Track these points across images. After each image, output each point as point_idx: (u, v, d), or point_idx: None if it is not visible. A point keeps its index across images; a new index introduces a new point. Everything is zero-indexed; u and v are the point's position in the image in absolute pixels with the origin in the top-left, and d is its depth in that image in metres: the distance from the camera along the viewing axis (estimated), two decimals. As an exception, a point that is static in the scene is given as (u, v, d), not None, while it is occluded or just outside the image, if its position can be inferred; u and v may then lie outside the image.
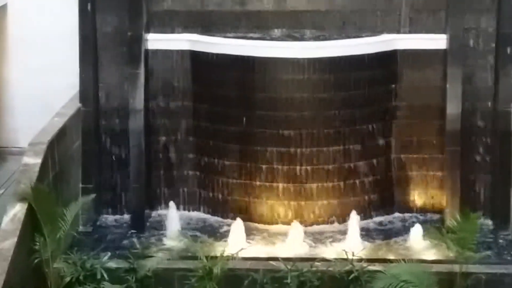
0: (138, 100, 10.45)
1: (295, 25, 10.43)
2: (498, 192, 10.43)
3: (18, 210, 8.59)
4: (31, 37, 11.06)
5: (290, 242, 9.95)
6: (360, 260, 8.97)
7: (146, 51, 10.51)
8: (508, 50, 10.22)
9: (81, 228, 10.16)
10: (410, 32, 10.39)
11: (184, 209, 10.88)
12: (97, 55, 10.56)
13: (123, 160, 10.72)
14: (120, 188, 10.81)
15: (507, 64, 10.25)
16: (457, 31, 10.25)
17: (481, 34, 10.30)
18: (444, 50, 10.32)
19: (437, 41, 10.34)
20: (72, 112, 10.36)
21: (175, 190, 10.89)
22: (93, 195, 9.85)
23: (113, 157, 10.73)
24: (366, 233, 10.23)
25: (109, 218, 10.81)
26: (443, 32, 10.31)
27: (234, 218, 10.19)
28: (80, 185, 10.49)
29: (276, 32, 10.43)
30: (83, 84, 10.55)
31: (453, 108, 10.28)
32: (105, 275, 8.55)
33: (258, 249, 9.82)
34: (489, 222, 10.46)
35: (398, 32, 10.40)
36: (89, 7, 10.43)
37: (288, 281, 8.61)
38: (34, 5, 10.99)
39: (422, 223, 10.32)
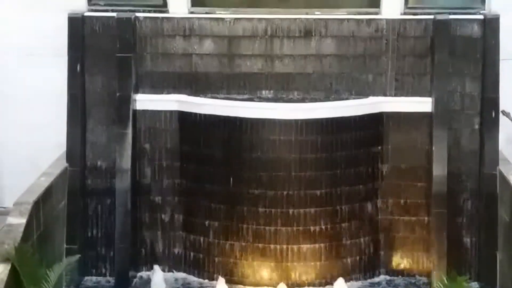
0: (125, 160, 10.38)
1: (282, 87, 10.46)
2: (484, 255, 10.36)
3: (1, 271, 8.41)
4: (20, 95, 10.98)
5: None
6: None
7: (134, 111, 10.50)
8: (493, 114, 10.26)
9: None
10: (396, 95, 10.42)
11: (169, 270, 10.76)
12: (85, 115, 10.56)
13: (109, 220, 10.62)
14: (105, 249, 10.69)
15: (492, 128, 10.29)
16: (442, 94, 10.29)
17: (466, 98, 10.35)
18: (430, 113, 10.34)
19: (423, 104, 10.36)
20: (59, 172, 10.26)
21: (160, 250, 10.80)
22: (77, 256, 9.69)
23: (98, 217, 10.63)
24: None
25: (93, 280, 10.65)
26: (429, 95, 10.34)
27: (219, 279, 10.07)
28: (65, 246, 10.34)
29: (264, 93, 10.46)
30: (70, 143, 10.49)
31: (439, 170, 10.24)
32: None
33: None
34: (477, 285, 10.38)
35: (385, 95, 10.43)
36: (78, 68, 10.44)
37: None
38: (23, 64, 10.92)
39: (409, 285, 10.29)
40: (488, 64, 10.19)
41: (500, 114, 10.13)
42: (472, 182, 10.40)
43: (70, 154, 10.47)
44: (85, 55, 10.41)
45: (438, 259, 10.19)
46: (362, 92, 10.41)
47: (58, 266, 8.87)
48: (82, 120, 10.50)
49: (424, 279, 10.41)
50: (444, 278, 9.10)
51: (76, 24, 10.36)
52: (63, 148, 10.52)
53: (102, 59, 10.44)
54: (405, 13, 10.35)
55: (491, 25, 10.14)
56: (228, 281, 9.95)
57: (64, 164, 10.44)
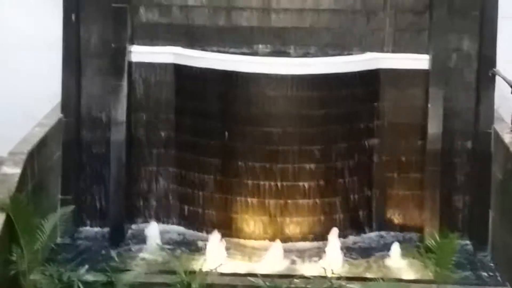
0: (121, 112, 10.35)
1: (279, 42, 10.39)
2: (477, 213, 10.39)
3: (-5, 220, 8.32)
4: (13, 43, 10.91)
5: (270, 258, 9.88)
6: (339, 278, 8.91)
7: (130, 63, 10.43)
8: (490, 72, 10.20)
9: (59, 240, 10.01)
10: (393, 51, 10.36)
11: (164, 223, 10.77)
12: (80, 66, 10.48)
13: (104, 172, 10.62)
14: (99, 200, 10.72)
15: (488, 86, 10.25)
16: (440, 52, 10.23)
17: (463, 56, 10.30)
18: (427, 70, 10.30)
19: (420, 61, 10.30)
20: (53, 122, 10.25)
21: (155, 203, 10.81)
22: (72, 207, 9.73)
23: (93, 169, 10.63)
24: (346, 251, 10.16)
25: (88, 230, 10.68)
26: (426, 52, 10.29)
27: (212, 233, 10.13)
28: (59, 196, 10.38)
29: (261, 47, 10.39)
30: (65, 94, 10.44)
31: (434, 128, 10.24)
32: (83, 288, 8.29)
33: (237, 264, 9.73)
34: (468, 242, 10.41)
35: (382, 51, 10.37)
36: (73, 17, 10.35)
37: (266, 297, 8.38)
38: (18, 12, 10.87)
39: (402, 241, 10.27)
40: (486, 21, 10.12)
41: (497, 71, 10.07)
42: (467, 140, 10.42)
43: (65, 105, 10.44)
44: (80, 4, 10.33)
45: (431, 216, 10.23)
46: (359, 48, 10.36)
47: (52, 216, 8.87)
48: (77, 71, 10.43)
49: (417, 236, 10.45)
50: (436, 235, 9.13)
51: None
52: (58, 98, 10.48)
53: (98, 9, 10.34)
54: None
55: None
56: (223, 235, 9.99)
57: (59, 114, 10.42)
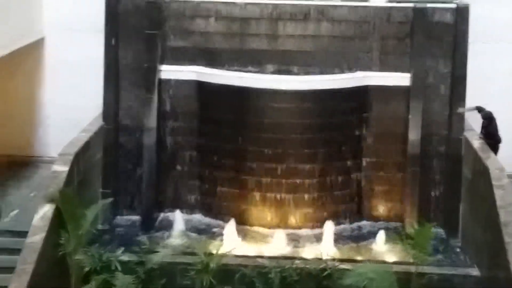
0: (152, 120, 10.37)
1: (285, 62, 10.37)
2: (449, 206, 10.35)
3: (47, 210, 8.54)
4: (65, 65, 11.01)
5: (275, 243, 9.86)
6: (333, 259, 8.94)
7: (159, 79, 10.44)
8: (461, 89, 10.20)
9: (100, 227, 9.99)
10: (380, 70, 10.36)
11: (187, 213, 10.74)
12: (118, 81, 10.50)
13: (137, 170, 10.59)
14: (133, 194, 10.66)
15: (459, 100, 10.22)
16: (419, 71, 10.21)
17: (438, 74, 10.25)
18: (408, 87, 10.27)
19: (402, 79, 10.30)
20: (96, 129, 10.28)
21: (180, 196, 10.75)
22: (111, 199, 9.81)
23: (128, 168, 10.58)
24: (339, 238, 10.11)
25: (124, 219, 10.65)
26: (407, 71, 10.27)
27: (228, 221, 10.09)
28: (100, 190, 10.36)
29: (269, 67, 10.39)
30: (106, 105, 10.49)
31: (414, 135, 10.23)
32: (119, 267, 8.52)
33: (248, 248, 9.72)
34: (442, 231, 10.35)
35: (370, 70, 10.35)
36: (113, 41, 10.37)
37: (272, 275, 8.58)
38: (67, 38, 10.96)
39: (386, 230, 10.23)
40: (458, 46, 10.14)
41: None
42: (442, 145, 10.37)
43: (105, 115, 10.48)
44: (119, 31, 10.36)
45: (411, 209, 10.24)
46: (351, 68, 10.34)
47: (94, 207, 8.93)
48: (116, 86, 10.45)
49: (399, 225, 10.41)
50: (415, 224, 9.22)
51: (112, 3, 10.29)
52: (100, 109, 10.53)
53: (133, 34, 10.40)
54: (389, 1, 10.30)
55: (462, 13, 10.10)
56: (237, 223, 9.99)
57: (100, 122, 10.46)
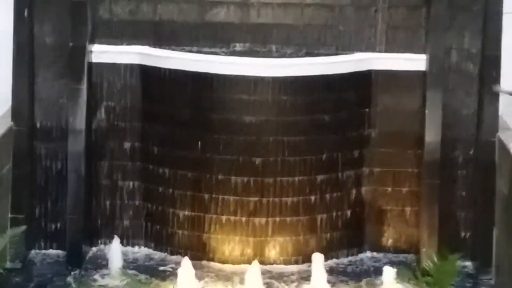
0: (79, 119, 9.78)
1: (259, 40, 9.90)
2: (480, 231, 9.90)
3: None
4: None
5: (248, 284, 9.27)
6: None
7: (90, 64, 9.88)
8: (494, 74, 9.72)
9: (8, 265, 9.45)
10: (386, 51, 9.90)
11: (128, 244, 10.23)
12: (33, 67, 9.89)
13: (60, 187, 10.04)
14: (55, 219, 10.11)
15: (492, 89, 9.75)
16: (438, 51, 9.75)
17: (464, 55, 9.85)
18: (423, 72, 9.83)
19: (416, 62, 9.82)
20: (3, 131, 9.64)
21: (118, 222, 10.25)
22: (23, 227, 9.34)
23: (48, 184, 10.07)
24: (333, 275, 9.65)
25: (42, 253, 10.10)
26: (423, 52, 9.84)
27: (185, 255, 9.53)
28: (9, 215, 9.75)
29: (238, 47, 9.91)
30: (16, 99, 9.81)
31: (432, 136, 9.76)
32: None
33: (211, 292, 9.29)
34: (470, 264, 9.97)
35: (373, 50, 9.91)
36: (26, 13, 9.75)
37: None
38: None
39: (396, 264, 9.80)
40: (489, 17, 9.70)
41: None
42: (468, 150, 9.97)
43: (15, 112, 9.83)
44: None
45: (429, 235, 9.79)
46: (348, 47, 9.89)
47: (1, 238, 8.61)
48: (30, 73, 9.86)
49: (413, 257, 10.02)
50: (434, 256, 9.09)
51: None
52: (8, 104, 9.90)
53: (54, 4, 9.79)
54: None
55: None
56: (194, 258, 9.50)
57: (9, 122, 9.83)
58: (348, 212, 10.07)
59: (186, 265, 9.23)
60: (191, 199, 9.87)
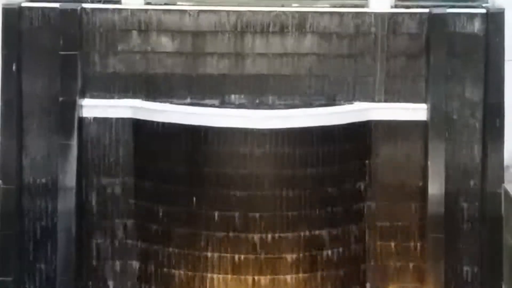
0: (70, 176, 9.67)
1: (255, 92, 9.83)
2: (488, 287, 9.73)
3: None
4: None
5: None
6: None
7: (81, 119, 9.80)
8: (497, 123, 9.67)
9: None
10: (385, 100, 9.83)
11: None
12: (22, 123, 9.82)
13: (50, 247, 9.86)
14: (45, 282, 9.92)
15: (496, 139, 9.68)
16: (439, 100, 9.69)
17: (466, 104, 9.77)
18: (425, 122, 9.75)
19: (417, 111, 9.76)
20: None
21: (111, 283, 10.05)
22: None
23: (38, 244, 9.86)
24: None
25: None
26: (423, 101, 9.76)
27: None
28: None
29: (233, 98, 9.83)
30: (4, 156, 9.73)
31: (435, 188, 9.62)
32: None
33: None
34: None
35: (373, 100, 9.83)
36: (14, 67, 9.72)
37: None
38: None
39: None
40: (491, 65, 9.67)
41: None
42: (474, 202, 9.82)
43: (3, 170, 9.74)
44: (23, 53, 9.73)
45: None
46: (346, 98, 9.84)
47: None
48: (19, 130, 9.79)
49: None
50: None
51: (12, 17, 9.70)
52: None
53: (43, 58, 9.76)
54: (396, 6, 9.84)
55: (494, 20, 9.63)
56: None
57: None
58: (351, 268, 9.86)
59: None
60: (187, 257, 9.68)
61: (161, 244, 9.79)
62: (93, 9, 9.70)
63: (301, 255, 9.60)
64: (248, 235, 9.50)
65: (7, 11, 9.63)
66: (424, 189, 9.70)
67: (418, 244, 9.81)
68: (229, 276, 9.48)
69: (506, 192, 9.50)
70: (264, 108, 9.75)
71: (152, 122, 9.72)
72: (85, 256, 9.90)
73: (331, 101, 9.80)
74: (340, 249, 9.79)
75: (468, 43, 9.69)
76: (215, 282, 9.55)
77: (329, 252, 9.72)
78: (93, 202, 9.93)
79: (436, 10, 9.66)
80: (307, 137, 9.56)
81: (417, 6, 9.80)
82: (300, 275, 9.64)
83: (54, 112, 9.77)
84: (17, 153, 9.78)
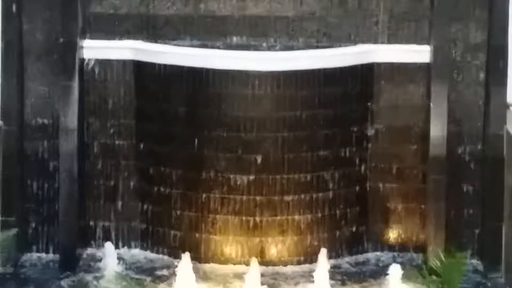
0: (71, 118, 9.73)
1: (257, 33, 9.86)
2: (488, 228, 9.83)
3: None
4: None
5: (248, 286, 9.19)
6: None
7: (82, 60, 9.85)
8: (501, 64, 9.66)
9: (0, 269, 9.47)
10: (389, 42, 9.86)
11: (124, 246, 10.19)
12: (22, 64, 9.85)
13: (52, 188, 10.00)
14: (47, 222, 10.05)
15: (499, 81, 9.69)
16: (442, 42, 9.69)
17: (469, 46, 9.78)
18: (428, 64, 9.78)
19: (420, 53, 9.79)
20: None
21: (113, 224, 10.19)
22: (14, 230, 9.27)
23: (40, 185, 10.00)
24: (337, 275, 9.62)
25: (34, 257, 10.05)
26: (427, 43, 9.78)
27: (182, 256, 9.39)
28: (0, 218, 9.69)
29: (235, 40, 9.85)
30: (5, 97, 9.76)
31: (437, 130, 9.70)
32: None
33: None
34: (478, 262, 9.92)
35: (375, 42, 9.86)
36: (14, 8, 9.70)
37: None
38: None
39: (401, 263, 9.70)
40: (496, 6, 9.64)
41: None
42: (476, 144, 9.89)
43: (4, 111, 9.78)
44: None
45: (435, 233, 9.74)
46: (349, 39, 9.86)
47: None
48: (19, 71, 9.81)
49: (420, 256, 9.97)
50: (442, 255, 8.94)
51: None
52: None
53: None
54: None
55: None
56: (192, 259, 9.34)
57: None
58: (352, 210, 10.01)
59: (185, 262, 9.13)
60: (189, 198, 9.82)
61: (163, 186, 9.92)
62: None
63: (302, 196, 9.76)
64: (249, 177, 9.62)
65: None
66: (426, 131, 9.79)
67: (420, 186, 9.94)
68: (228, 217, 9.67)
69: (508, 133, 9.58)
70: (266, 50, 9.80)
71: (154, 63, 9.76)
72: (87, 197, 10.06)
73: (333, 43, 9.84)
74: (343, 191, 9.94)
75: (473, -19, 9.73)
76: (213, 223, 9.72)
77: (330, 193, 9.86)
78: (95, 144, 10.05)
79: None
80: (309, 79, 9.62)
81: None
82: (303, 216, 9.80)
83: (54, 53, 9.81)
84: (18, 95, 9.84)
